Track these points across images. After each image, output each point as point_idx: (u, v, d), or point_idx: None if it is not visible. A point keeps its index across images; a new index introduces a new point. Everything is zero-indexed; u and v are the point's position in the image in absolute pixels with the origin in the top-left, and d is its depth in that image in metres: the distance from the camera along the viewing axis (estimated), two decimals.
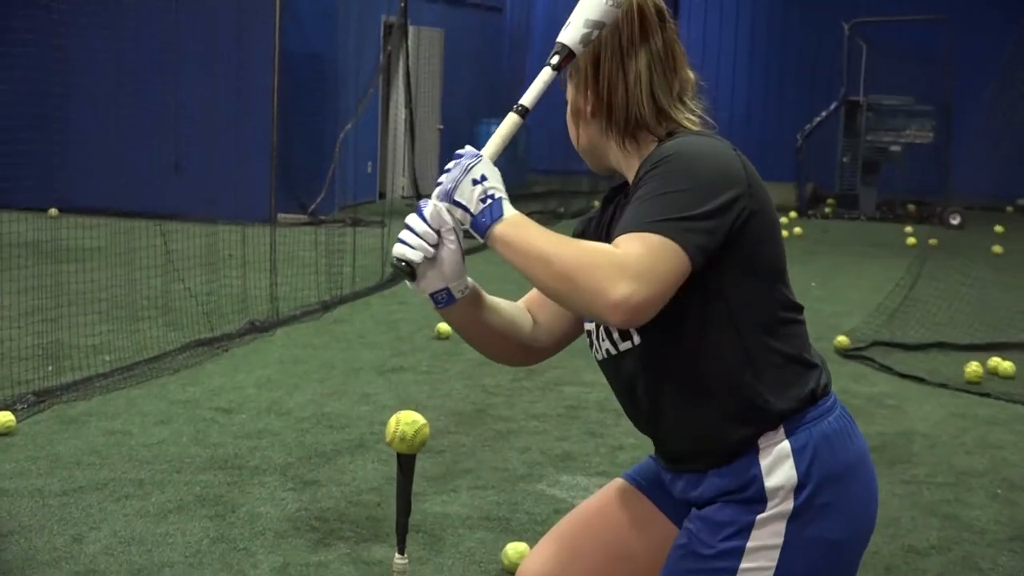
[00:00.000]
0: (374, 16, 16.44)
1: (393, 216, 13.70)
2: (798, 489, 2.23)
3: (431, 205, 2.25)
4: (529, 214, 10.78)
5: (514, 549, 4.89)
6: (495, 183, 2.21)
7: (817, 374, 2.32)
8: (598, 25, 2.29)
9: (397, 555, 3.82)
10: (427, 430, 3.76)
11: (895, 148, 18.43)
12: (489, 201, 2.19)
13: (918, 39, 19.01)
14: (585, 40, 2.29)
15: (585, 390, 7.65)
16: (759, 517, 2.23)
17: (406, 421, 3.71)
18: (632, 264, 2.05)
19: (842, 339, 9.18)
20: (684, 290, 2.16)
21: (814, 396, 2.29)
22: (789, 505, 2.23)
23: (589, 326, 2.47)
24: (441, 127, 18.72)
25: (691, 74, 2.39)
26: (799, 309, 2.35)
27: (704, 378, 2.27)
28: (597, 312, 2.08)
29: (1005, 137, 20.89)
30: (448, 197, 2.22)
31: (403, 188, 17.91)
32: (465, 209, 2.20)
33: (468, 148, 2.28)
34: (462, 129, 19.15)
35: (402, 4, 15.48)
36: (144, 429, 6.51)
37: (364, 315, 9.75)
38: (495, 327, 2.46)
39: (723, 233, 2.17)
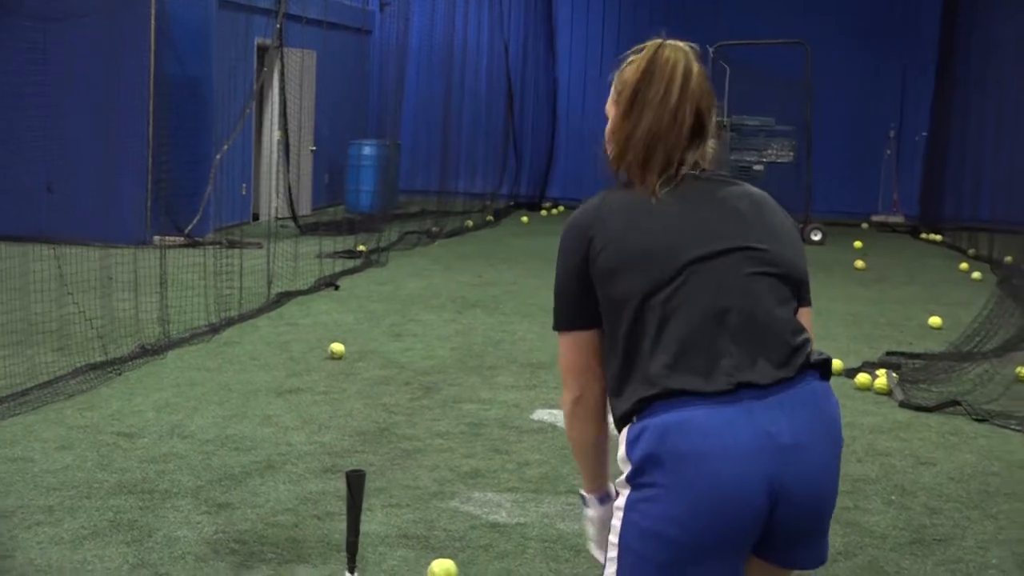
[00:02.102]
0: (248, 39, 16.36)
1: (272, 238, 13.68)
2: (626, 462, 2.67)
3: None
4: (405, 234, 10.91)
5: (439, 565, 4.96)
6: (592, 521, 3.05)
7: (639, 387, 2.74)
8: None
9: (348, 574, 3.91)
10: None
11: (758, 167, 18.91)
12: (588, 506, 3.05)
13: (778, 62, 19.57)
14: None
15: (484, 407, 7.76)
16: (617, 481, 2.74)
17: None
18: (563, 371, 2.89)
19: None
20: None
21: (637, 403, 2.70)
22: (622, 475, 2.69)
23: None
24: (314, 148, 18.68)
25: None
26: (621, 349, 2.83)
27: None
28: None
29: (861, 155, 21.64)
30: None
31: (276, 209, 17.82)
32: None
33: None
34: (334, 150, 19.17)
35: (277, 26, 15.50)
36: (46, 455, 6.43)
37: (253, 337, 9.71)
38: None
39: (580, 294, 2.84)
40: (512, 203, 21.29)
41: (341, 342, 9.23)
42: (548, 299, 11.40)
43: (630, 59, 2.85)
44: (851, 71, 21.25)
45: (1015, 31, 17.72)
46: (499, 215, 20.00)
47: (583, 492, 2.99)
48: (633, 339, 2.68)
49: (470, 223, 18.44)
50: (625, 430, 2.68)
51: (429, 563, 5.05)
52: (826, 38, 20.03)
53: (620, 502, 2.69)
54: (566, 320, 2.83)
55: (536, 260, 15.06)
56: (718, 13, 21.31)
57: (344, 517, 5.52)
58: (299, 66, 17.41)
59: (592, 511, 2.99)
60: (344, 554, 5.19)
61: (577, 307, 2.81)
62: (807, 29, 19.89)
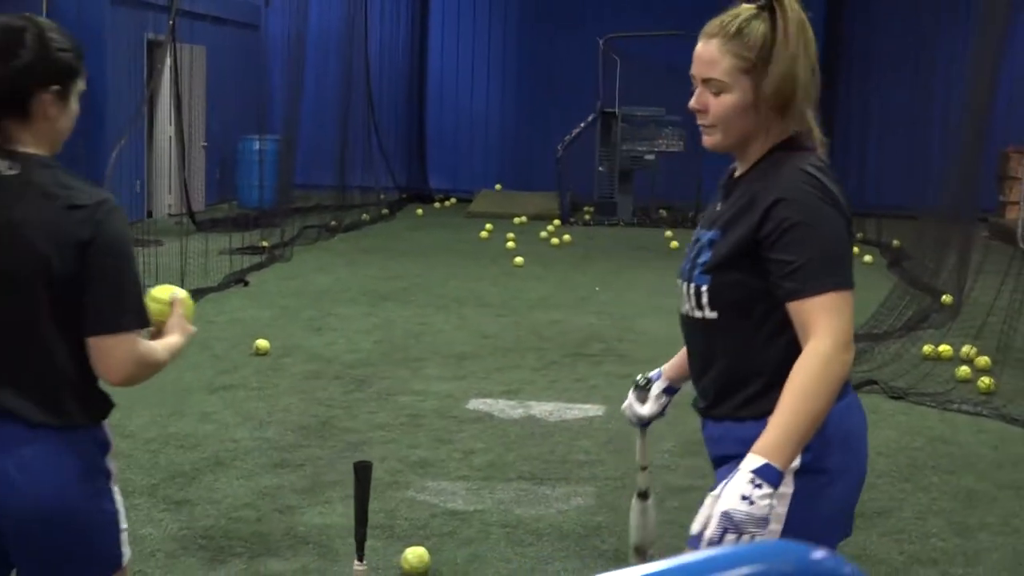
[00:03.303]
0: (137, 34, 16.17)
1: (166, 234, 13.59)
2: (804, 450, 2.54)
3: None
4: (304, 229, 10.94)
5: (413, 553, 5.07)
6: (759, 491, 2.42)
7: None
8: None
9: (356, 562, 4.01)
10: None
11: (649, 157, 19.25)
12: (762, 488, 2.42)
13: (666, 53, 19.90)
14: None
15: (419, 399, 7.85)
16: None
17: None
18: (838, 341, 2.48)
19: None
20: (758, 295, 2.52)
21: None
22: (797, 461, 2.56)
23: (679, 282, 2.81)
24: (205, 144, 18.51)
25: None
26: None
27: (749, 356, 2.66)
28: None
29: None
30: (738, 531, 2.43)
31: (170, 206, 17.65)
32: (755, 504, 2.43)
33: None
34: (225, 146, 19.02)
35: (170, 22, 15.33)
36: None
37: None
38: None
39: (849, 254, 2.61)
40: (404, 196, 21.34)
41: (262, 338, 9.24)
42: (457, 290, 11.60)
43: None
44: None
45: (892, 35, 18.50)
46: (393, 208, 20.04)
47: (779, 466, 2.45)
48: None
49: (366, 216, 18.46)
50: None
51: (398, 551, 5.15)
52: None
53: (789, 488, 2.58)
54: (849, 277, 2.56)
55: (436, 252, 15.18)
56: (605, 5, 21.57)
57: (303, 511, 5.62)
58: (190, 62, 17.25)
59: (783, 487, 2.54)
60: (311, 546, 5.30)
61: (847, 261, 2.60)
62: (693, 20, 20.22)
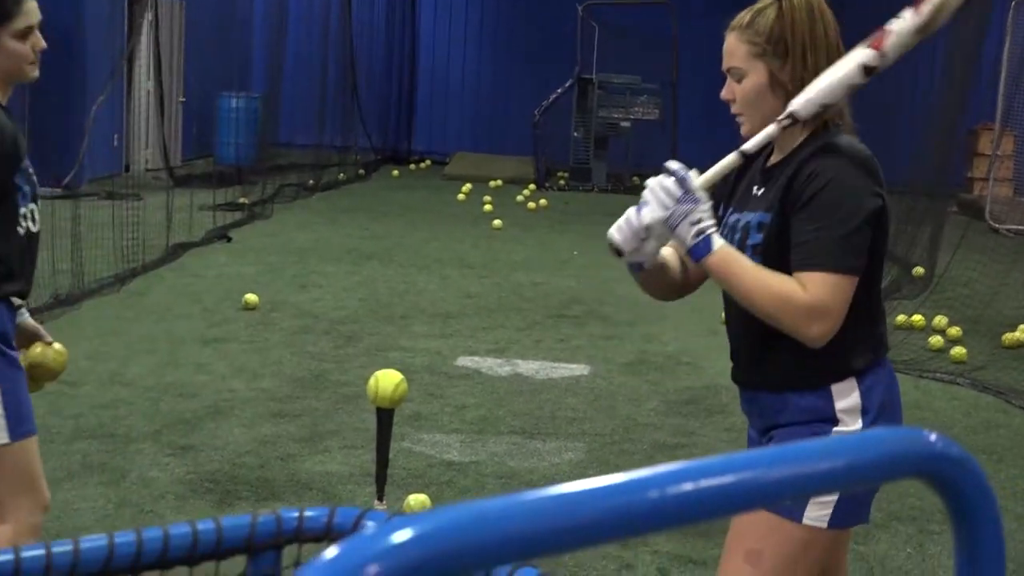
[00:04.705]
0: None
1: (144, 189, 13.66)
2: (863, 412, 2.74)
3: (649, 213, 2.65)
4: (281, 187, 11.03)
5: (415, 499, 5.26)
6: (708, 221, 2.65)
7: (882, 344, 2.86)
8: (828, 107, 2.72)
9: (376, 502, 4.18)
10: (405, 385, 4.13)
11: (625, 124, 19.45)
12: (702, 236, 2.64)
13: (645, 21, 20.08)
14: (815, 115, 2.72)
15: (408, 355, 8.03)
16: (834, 430, 2.74)
17: (385, 380, 4.06)
18: (819, 308, 2.63)
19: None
20: None
21: (880, 352, 2.83)
22: (859, 425, 2.75)
23: None
24: (183, 99, 18.53)
25: None
26: (880, 289, 2.89)
27: None
28: (792, 333, 2.67)
29: (726, 114, 22.30)
30: (669, 228, 2.65)
31: (147, 161, 17.69)
32: (682, 241, 2.66)
33: (687, 183, 2.63)
34: (203, 102, 19.05)
35: None
36: None
37: (161, 288, 9.80)
38: (664, 280, 2.95)
39: (867, 245, 2.71)
40: (379, 157, 21.44)
41: (249, 293, 9.37)
42: (438, 251, 11.76)
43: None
44: (715, 31, 21.85)
45: (864, 9, 18.61)
46: (368, 169, 20.14)
47: (711, 235, 2.65)
48: (877, 297, 2.86)
49: (343, 176, 18.56)
50: (852, 382, 2.76)
51: (399, 498, 5.34)
52: None
53: None
54: (854, 263, 2.68)
55: (416, 213, 15.32)
56: None
57: (303, 459, 5.79)
58: (169, 17, 17.26)
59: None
60: (314, 492, 5.48)
61: (862, 253, 2.71)
62: None
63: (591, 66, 19.39)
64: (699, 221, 2.64)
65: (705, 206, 2.66)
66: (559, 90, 19.61)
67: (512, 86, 22.23)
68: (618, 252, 2.73)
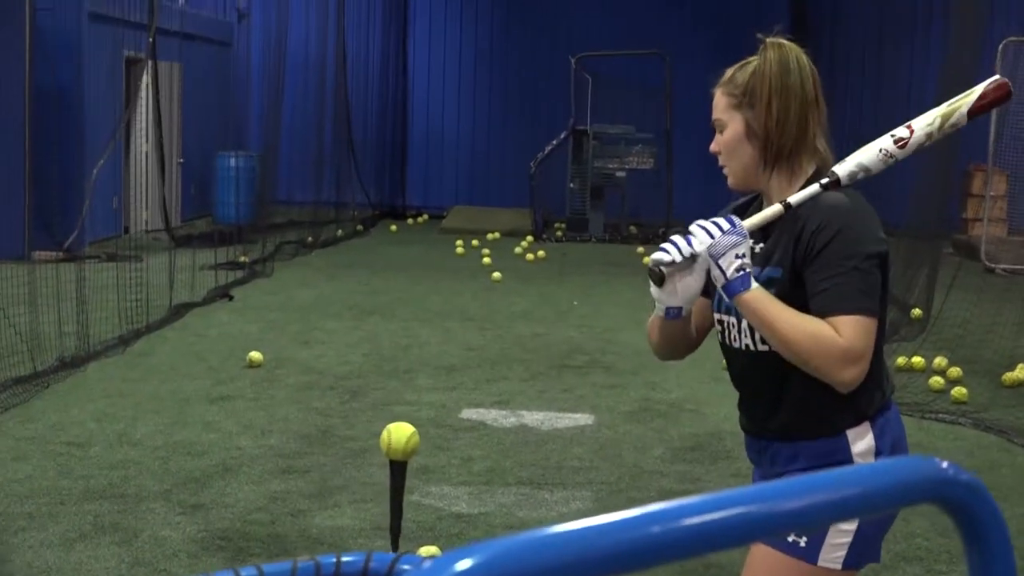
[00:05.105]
0: (115, 51, 16.32)
1: (145, 250, 13.75)
2: (876, 454, 2.83)
3: (698, 243, 2.75)
4: (281, 244, 11.09)
5: (426, 552, 5.30)
6: (748, 261, 2.75)
7: (888, 385, 2.94)
8: (866, 169, 2.89)
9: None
10: (417, 437, 4.18)
11: (620, 174, 19.58)
12: (742, 273, 2.74)
13: (638, 72, 20.27)
14: (852, 176, 2.88)
15: (413, 409, 8.08)
16: None
17: (398, 432, 4.12)
18: (854, 351, 2.70)
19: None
20: None
21: (888, 396, 2.92)
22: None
23: (721, 316, 2.97)
24: (182, 160, 18.67)
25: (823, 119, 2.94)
26: (882, 343, 2.96)
27: (824, 385, 2.81)
28: (824, 375, 2.73)
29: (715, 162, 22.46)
30: (713, 258, 2.75)
31: (146, 222, 17.78)
32: (722, 272, 2.74)
33: (735, 220, 2.76)
34: (201, 163, 19.19)
35: (150, 39, 15.52)
36: (3, 466, 6.55)
37: (165, 348, 9.85)
38: (687, 335, 3.04)
39: (880, 283, 2.81)
40: (376, 212, 21.56)
41: (253, 350, 9.43)
42: (439, 305, 11.81)
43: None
44: (708, 81, 22.06)
45: (863, 25, 18.90)
46: (367, 224, 20.26)
47: (745, 282, 2.74)
48: (881, 339, 2.92)
49: (341, 232, 18.67)
50: (867, 425, 2.84)
51: (410, 552, 5.37)
52: (683, 48, 20.74)
53: None
54: (875, 306, 2.76)
55: (415, 267, 15.42)
56: (575, 25, 21.90)
57: (313, 515, 5.83)
58: (168, 79, 17.43)
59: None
60: (325, 547, 5.51)
61: (878, 295, 2.79)
62: (664, 40, 20.60)
63: (585, 117, 19.54)
64: (743, 256, 2.74)
65: (749, 243, 2.76)
66: (554, 142, 19.76)
67: (507, 138, 22.40)
68: (661, 279, 2.78)
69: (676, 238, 2.78)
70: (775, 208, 2.82)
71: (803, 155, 2.89)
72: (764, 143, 2.86)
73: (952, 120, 2.95)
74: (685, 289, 2.80)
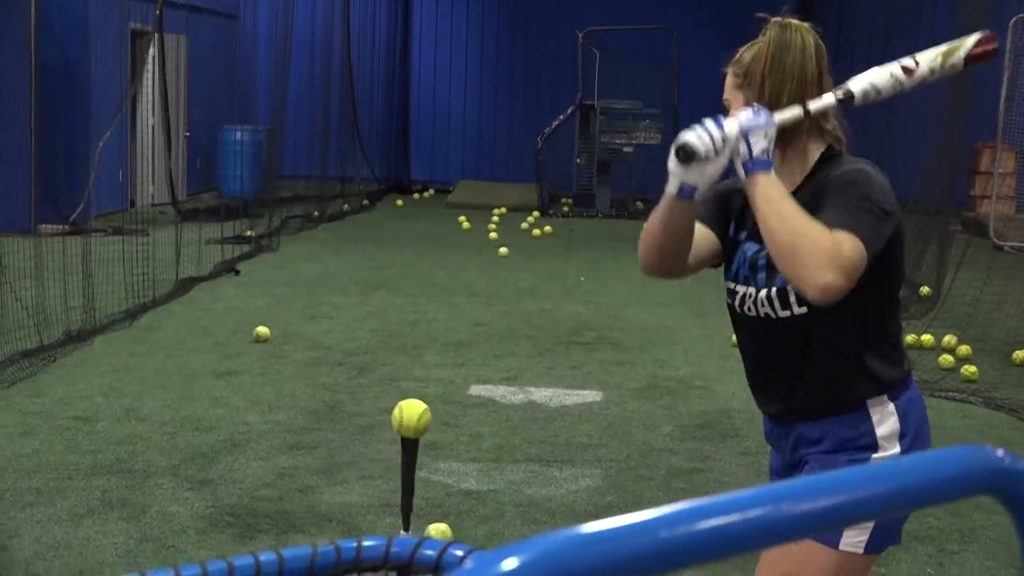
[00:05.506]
0: (121, 23, 16.26)
1: (151, 224, 13.73)
2: (901, 436, 2.79)
3: (728, 125, 2.69)
4: (287, 219, 11.04)
5: (436, 529, 5.27)
6: (772, 147, 2.71)
7: (906, 358, 2.91)
8: (877, 90, 2.84)
9: (403, 532, 4.19)
10: (429, 415, 4.14)
11: (627, 149, 19.52)
12: (766, 156, 2.70)
13: (646, 47, 20.18)
14: (865, 95, 2.83)
15: (421, 385, 8.05)
16: (873, 456, 2.77)
17: (409, 410, 4.08)
18: (843, 259, 2.59)
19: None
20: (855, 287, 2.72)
21: (907, 372, 2.88)
22: (897, 449, 2.81)
23: (737, 287, 2.93)
24: (188, 134, 18.61)
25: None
26: (900, 312, 2.96)
27: (844, 349, 2.82)
28: (800, 281, 2.60)
29: None
30: (744, 133, 2.68)
31: (152, 196, 17.75)
32: (749, 149, 2.68)
33: (764, 111, 2.72)
34: (207, 136, 19.13)
35: (157, 12, 15.44)
36: (11, 441, 6.53)
37: (172, 322, 9.82)
38: (689, 235, 2.89)
39: (887, 237, 2.73)
40: (382, 187, 21.51)
41: (259, 325, 9.40)
42: (446, 280, 11.76)
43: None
44: (715, 56, 21.98)
45: (870, 12, 18.77)
46: (373, 199, 20.22)
47: (771, 161, 2.72)
48: (898, 313, 2.92)
49: (347, 207, 18.63)
50: (890, 406, 2.81)
51: (419, 528, 5.34)
52: (690, 23, 20.66)
53: None
54: (877, 246, 2.69)
55: (422, 242, 15.38)
56: (582, 1, 21.79)
57: (321, 491, 5.81)
58: (175, 52, 17.36)
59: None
60: (335, 524, 5.49)
61: (883, 243, 2.72)
62: (672, 15, 20.52)
63: (593, 92, 19.47)
64: (770, 139, 2.70)
65: (775, 130, 2.71)
66: (561, 117, 19.69)
67: (513, 113, 22.33)
68: (689, 157, 2.66)
69: (708, 122, 2.68)
70: (795, 110, 2.78)
71: (801, 137, 2.87)
72: None
73: (952, 61, 2.92)
74: (709, 169, 2.71)
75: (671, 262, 2.93)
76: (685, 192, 2.74)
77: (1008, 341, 9.75)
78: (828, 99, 2.81)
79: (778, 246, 2.64)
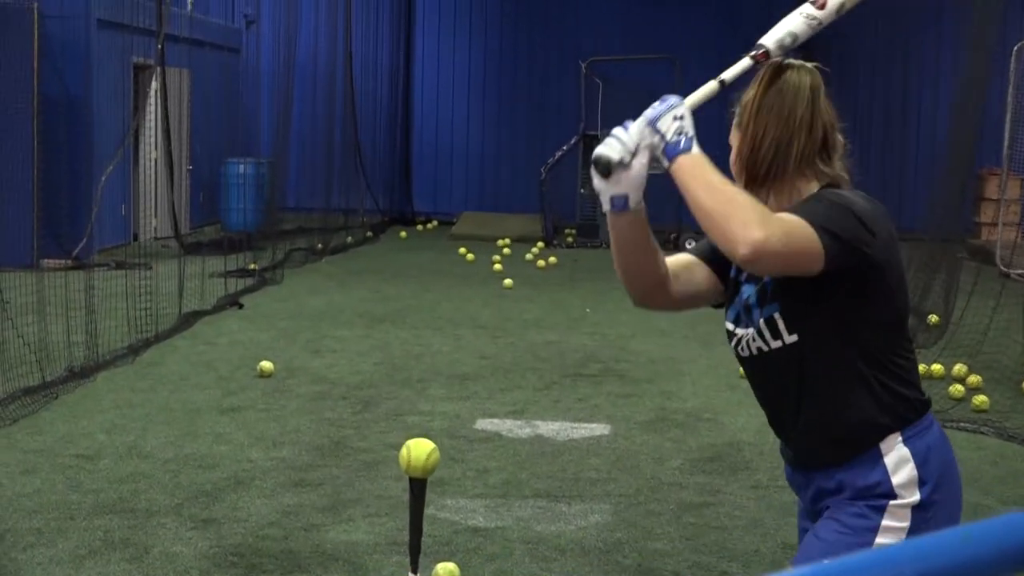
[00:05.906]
0: (123, 57, 16.24)
1: (154, 257, 13.67)
2: (921, 484, 2.70)
3: (636, 123, 2.65)
4: (290, 251, 10.99)
5: (444, 568, 5.18)
6: (690, 125, 2.63)
7: (921, 395, 2.81)
8: (793, 36, 2.79)
9: (411, 574, 4.11)
10: (437, 454, 4.07)
11: None
12: (682, 136, 2.62)
13: (648, 76, 20.13)
14: (780, 45, 2.78)
15: (426, 419, 7.97)
16: (891, 504, 2.69)
17: (417, 449, 4.01)
18: (776, 223, 2.54)
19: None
20: (841, 313, 2.68)
21: (919, 410, 2.78)
22: (916, 497, 2.70)
23: (735, 330, 2.87)
24: (190, 167, 18.58)
25: (840, 138, 2.84)
26: (911, 348, 2.85)
27: (840, 380, 2.74)
28: (731, 238, 2.50)
29: (725, 165, 22.36)
30: (651, 123, 2.63)
31: (155, 229, 17.70)
32: (662, 136, 2.61)
33: (673, 96, 2.68)
34: (208, 169, 19.10)
35: (159, 46, 15.43)
36: (12, 480, 6.44)
37: (175, 357, 9.75)
38: (647, 251, 2.80)
39: (851, 247, 2.62)
40: (386, 219, 21.46)
41: (263, 360, 9.32)
42: (451, 312, 11.69)
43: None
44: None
45: (870, 42, 18.76)
46: (376, 231, 20.17)
47: (692, 138, 2.64)
48: (907, 348, 2.82)
49: (351, 239, 18.57)
50: (904, 450, 2.73)
51: (427, 567, 5.26)
52: (692, 52, 20.63)
53: (906, 523, 2.72)
54: (826, 234, 2.59)
55: (426, 274, 15.31)
56: (585, 30, 21.78)
57: (327, 529, 5.72)
58: (177, 85, 17.34)
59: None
60: (340, 563, 5.40)
61: (842, 236, 2.60)
62: (674, 44, 20.51)
63: (596, 122, 19.42)
64: (682, 118, 2.63)
65: (687, 108, 2.64)
66: (564, 147, 19.65)
67: (516, 144, 22.28)
68: (606, 171, 2.64)
69: (616, 130, 2.67)
70: (711, 85, 2.74)
71: (789, 178, 2.80)
72: (744, 164, 2.83)
73: None
74: (631, 179, 2.66)
75: (648, 286, 2.86)
76: (617, 204, 2.69)
77: (1018, 370, 9.65)
78: (743, 64, 2.77)
79: (707, 213, 2.55)
